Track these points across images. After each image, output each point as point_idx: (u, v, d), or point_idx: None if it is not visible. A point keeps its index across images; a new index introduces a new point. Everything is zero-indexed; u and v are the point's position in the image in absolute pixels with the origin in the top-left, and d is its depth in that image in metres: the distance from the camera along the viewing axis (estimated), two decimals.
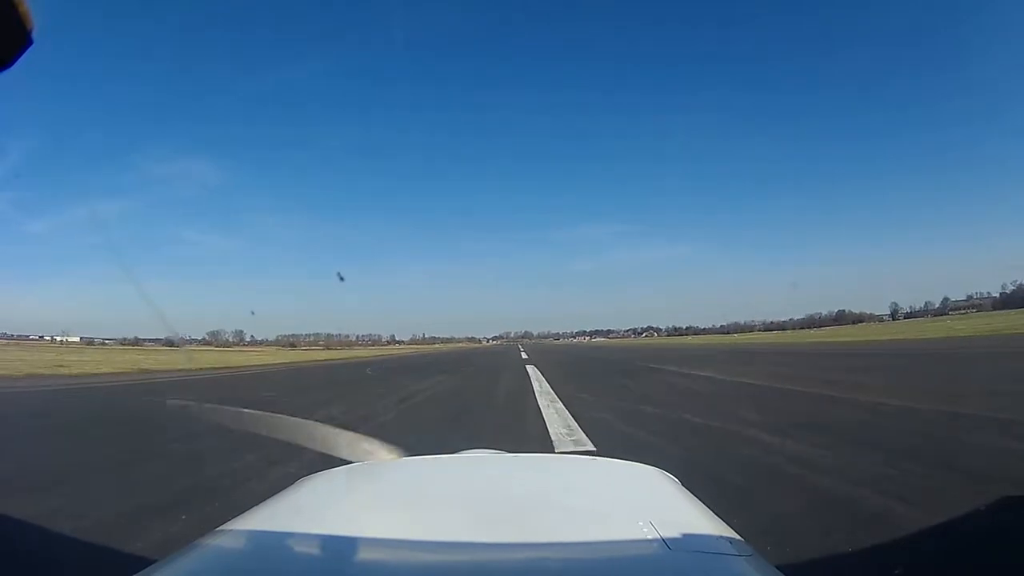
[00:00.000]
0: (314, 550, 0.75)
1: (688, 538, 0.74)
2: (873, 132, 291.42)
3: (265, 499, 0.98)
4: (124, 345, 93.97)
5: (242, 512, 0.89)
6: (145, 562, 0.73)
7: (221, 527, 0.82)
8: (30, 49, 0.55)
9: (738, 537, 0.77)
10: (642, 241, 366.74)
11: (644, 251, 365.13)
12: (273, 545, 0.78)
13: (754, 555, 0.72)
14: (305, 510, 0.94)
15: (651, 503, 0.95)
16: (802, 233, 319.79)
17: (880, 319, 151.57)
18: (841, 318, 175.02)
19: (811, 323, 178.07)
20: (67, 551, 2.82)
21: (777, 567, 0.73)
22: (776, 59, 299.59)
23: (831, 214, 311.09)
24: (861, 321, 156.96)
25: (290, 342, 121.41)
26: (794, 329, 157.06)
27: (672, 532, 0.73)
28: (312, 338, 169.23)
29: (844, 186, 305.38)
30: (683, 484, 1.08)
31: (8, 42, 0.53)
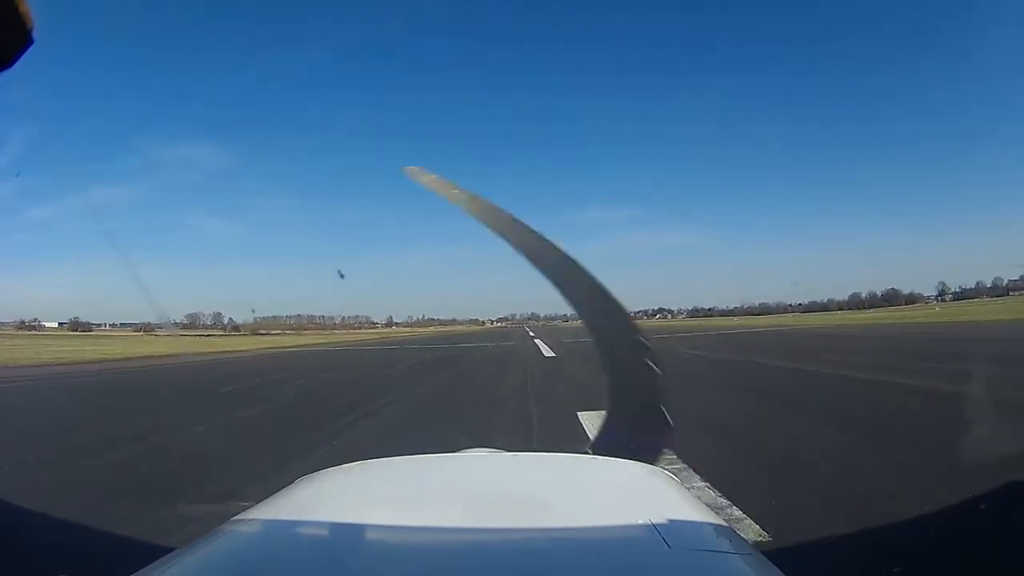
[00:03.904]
0: (315, 549, 0.77)
1: (688, 537, 0.75)
2: (917, 107, 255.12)
3: (266, 498, 1.00)
4: (18, 330, 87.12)
5: (243, 511, 0.92)
6: (147, 560, 0.75)
7: (222, 525, 0.85)
8: (30, 48, 0.54)
9: (738, 535, 0.79)
10: (658, 224, 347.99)
11: (661, 233, 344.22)
12: (274, 544, 0.81)
13: (753, 554, 0.74)
14: (306, 509, 0.95)
15: (651, 502, 0.95)
16: (844, 208, 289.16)
17: (927, 300, 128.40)
18: (892, 298, 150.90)
19: (857, 304, 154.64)
20: (70, 546, 2.91)
21: (776, 565, 0.74)
22: (827, 33, 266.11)
23: (879, 188, 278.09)
24: (915, 302, 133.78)
25: (234, 326, 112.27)
26: (839, 310, 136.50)
27: (672, 530, 0.74)
28: (292, 320, 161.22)
29: (889, 160, 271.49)
30: (681, 482, 1.10)
31: (8, 42, 0.53)
